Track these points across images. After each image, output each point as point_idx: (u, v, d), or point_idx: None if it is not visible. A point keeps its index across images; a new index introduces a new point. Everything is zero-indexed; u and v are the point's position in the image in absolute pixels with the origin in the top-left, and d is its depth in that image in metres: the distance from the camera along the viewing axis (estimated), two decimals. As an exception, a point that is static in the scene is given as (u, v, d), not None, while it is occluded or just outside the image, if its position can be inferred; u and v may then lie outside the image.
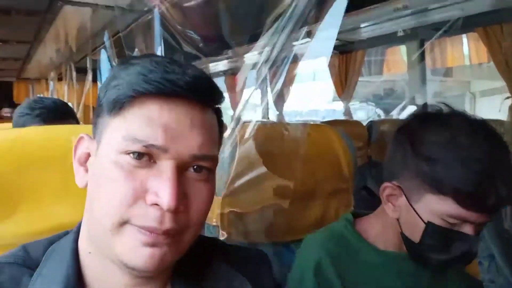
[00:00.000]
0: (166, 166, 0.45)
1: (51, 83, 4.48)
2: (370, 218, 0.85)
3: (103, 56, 2.08)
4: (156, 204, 0.44)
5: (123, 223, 0.45)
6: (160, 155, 0.45)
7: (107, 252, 0.47)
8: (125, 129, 0.46)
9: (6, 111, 4.57)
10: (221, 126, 0.54)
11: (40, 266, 0.50)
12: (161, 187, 0.44)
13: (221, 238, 0.90)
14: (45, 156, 0.69)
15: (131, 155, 0.45)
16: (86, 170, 0.51)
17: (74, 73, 3.21)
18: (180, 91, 0.45)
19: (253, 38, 0.94)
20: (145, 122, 0.45)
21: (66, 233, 0.55)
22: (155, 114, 0.45)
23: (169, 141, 0.45)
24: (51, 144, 0.71)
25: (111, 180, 0.45)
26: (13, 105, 4.84)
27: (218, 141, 0.52)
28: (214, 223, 0.91)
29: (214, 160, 0.49)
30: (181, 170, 0.46)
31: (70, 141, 0.71)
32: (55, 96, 4.19)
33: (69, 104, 1.64)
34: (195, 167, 0.47)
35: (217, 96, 0.51)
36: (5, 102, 4.89)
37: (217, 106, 0.52)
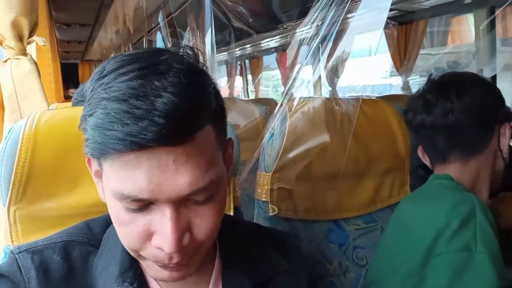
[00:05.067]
0: (163, 210, 0.43)
1: (111, 64, 4.68)
2: None
3: (158, 37, 2.13)
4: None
5: (142, 257, 0.48)
6: (154, 201, 0.43)
7: None
8: (113, 181, 0.44)
9: (72, 91, 4.88)
10: (223, 125, 0.49)
11: (100, 249, 0.55)
12: (162, 232, 0.43)
13: (271, 213, 0.90)
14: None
15: (129, 205, 0.44)
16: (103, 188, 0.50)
17: (132, 54, 3.32)
18: (151, 144, 0.40)
19: (304, 12, 0.91)
20: (126, 175, 0.42)
21: None
22: (134, 164, 0.41)
23: (156, 191, 0.42)
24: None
25: (119, 222, 0.46)
26: (79, 86, 5.17)
27: (216, 149, 0.47)
28: (264, 199, 0.91)
29: (211, 187, 0.45)
30: (179, 205, 0.44)
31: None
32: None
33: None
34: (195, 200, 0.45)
35: (200, 118, 0.43)
36: (71, 83, 5.23)
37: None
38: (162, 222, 0.43)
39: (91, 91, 0.44)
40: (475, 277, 0.67)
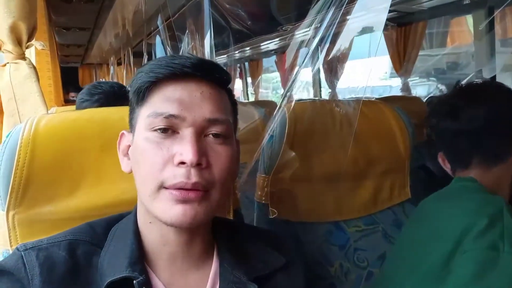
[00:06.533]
0: (186, 132, 0.54)
1: (111, 68, 4.71)
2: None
3: (157, 40, 2.14)
4: (182, 163, 0.52)
5: (159, 187, 0.53)
6: (180, 125, 0.54)
7: (153, 215, 0.55)
8: (149, 109, 0.55)
9: (72, 95, 4.88)
10: (234, 104, 0.62)
11: (106, 245, 0.58)
12: (184, 148, 0.52)
13: (271, 216, 0.90)
14: (103, 136, 0.73)
15: (158, 130, 0.54)
16: (129, 159, 0.60)
17: (131, 57, 3.35)
18: (188, 70, 0.54)
19: (302, 14, 0.91)
20: (164, 100, 0.55)
21: (120, 215, 0.63)
22: (171, 93, 0.55)
23: (184, 111, 0.54)
24: (108, 124, 0.74)
25: (144, 152, 0.54)
26: (79, 89, 5.16)
27: (230, 112, 0.60)
28: (264, 201, 0.91)
29: (227, 124, 0.56)
30: (200, 135, 0.54)
31: (126, 121, 0.75)
32: (115, 80, 4.39)
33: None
34: (213, 133, 0.55)
35: (222, 75, 0.59)
36: (71, 86, 5.22)
37: (227, 87, 0.61)
38: (184, 141, 0.53)
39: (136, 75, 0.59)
40: (501, 277, 0.67)
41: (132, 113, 0.59)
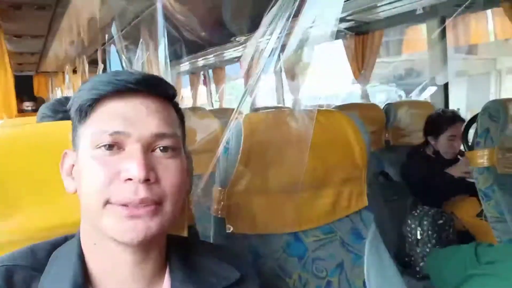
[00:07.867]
0: (132, 148, 0.53)
1: (66, 76, 4.57)
2: None
3: (112, 49, 2.09)
4: (129, 179, 0.51)
5: (105, 203, 0.51)
6: (126, 142, 0.53)
7: (102, 233, 0.53)
8: (93, 127, 0.54)
9: (27, 105, 4.64)
10: (181, 118, 0.62)
11: (47, 269, 0.55)
12: (131, 164, 0.51)
13: (228, 230, 0.88)
14: (46, 153, 0.69)
15: (103, 148, 0.52)
16: (73, 178, 0.58)
17: (86, 66, 3.28)
18: (132, 86, 0.54)
19: (256, 25, 0.91)
20: (108, 116, 0.54)
21: (65, 238, 0.60)
22: (115, 109, 0.54)
23: (129, 127, 0.53)
24: (52, 141, 0.70)
25: (89, 169, 0.53)
26: (34, 99, 4.93)
27: (178, 126, 0.59)
28: (220, 215, 0.89)
29: (175, 137, 0.56)
30: (147, 150, 0.53)
31: (68, 137, 0.71)
32: (71, 89, 4.25)
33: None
34: (161, 148, 0.54)
35: (168, 89, 0.59)
36: (26, 96, 4.98)
37: (173, 101, 0.60)
38: (131, 158, 0.52)
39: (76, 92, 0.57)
40: None
41: (74, 131, 0.58)
